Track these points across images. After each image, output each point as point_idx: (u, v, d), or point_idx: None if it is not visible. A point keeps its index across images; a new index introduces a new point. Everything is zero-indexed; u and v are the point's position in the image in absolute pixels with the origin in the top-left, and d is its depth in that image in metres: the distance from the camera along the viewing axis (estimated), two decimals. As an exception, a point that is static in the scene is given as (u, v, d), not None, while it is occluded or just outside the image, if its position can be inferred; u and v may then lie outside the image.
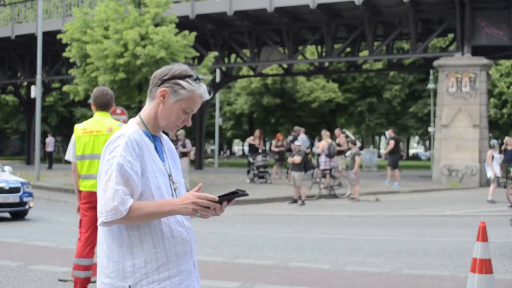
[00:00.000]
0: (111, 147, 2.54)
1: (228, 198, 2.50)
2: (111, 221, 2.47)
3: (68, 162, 6.33)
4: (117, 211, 2.45)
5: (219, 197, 2.49)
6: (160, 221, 2.56)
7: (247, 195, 2.51)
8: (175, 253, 2.59)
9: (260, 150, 22.08)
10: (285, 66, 30.40)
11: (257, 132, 22.73)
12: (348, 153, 19.08)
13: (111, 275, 2.55)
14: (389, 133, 22.69)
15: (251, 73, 32.84)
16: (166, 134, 2.84)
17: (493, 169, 16.79)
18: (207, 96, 2.73)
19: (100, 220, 2.49)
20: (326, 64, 30.82)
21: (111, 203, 2.45)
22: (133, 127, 2.62)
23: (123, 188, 2.46)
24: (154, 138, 2.67)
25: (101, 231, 2.61)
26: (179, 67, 2.68)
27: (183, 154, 18.21)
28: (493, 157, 16.87)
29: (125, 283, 2.52)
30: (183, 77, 2.64)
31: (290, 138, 22.16)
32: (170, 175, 2.67)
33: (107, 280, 2.56)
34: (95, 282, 6.24)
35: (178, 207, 2.49)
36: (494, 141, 17.71)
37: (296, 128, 22.50)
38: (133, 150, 2.53)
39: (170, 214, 2.52)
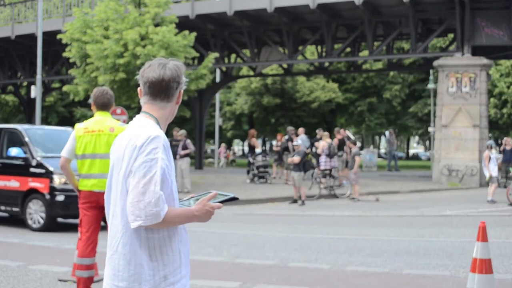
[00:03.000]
0: (147, 148, 2.50)
1: (226, 201, 2.70)
2: (149, 225, 2.47)
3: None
4: (158, 217, 2.44)
5: (221, 202, 2.68)
6: None
7: (237, 199, 2.75)
8: (184, 254, 2.64)
9: (259, 150, 22.08)
10: (285, 66, 30.40)
11: (252, 133, 22.81)
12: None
13: (130, 278, 2.53)
14: (342, 132, 22.17)
15: (251, 73, 32.84)
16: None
17: (489, 170, 16.83)
18: None
19: (137, 223, 2.46)
20: (326, 64, 30.81)
21: (154, 208, 2.43)
22: (159, 128, 2.62)
23: (163, 193, 2.47)
24: None
25: (120, 234, 2.57)
26: (181, 65, 2.71)
27: (184, 155, 18.20)
28: (490, 158, 16.91)
29: (145, 287, 2.52)
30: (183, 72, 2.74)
31: (285, 137, 22.22)
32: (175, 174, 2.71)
33: (123, 283, 2.54)
34: (97, 281, 6.26)
35: (198, 218, 2.60)
36: (490, 142, 17.76)
37: (289, 128, 22.53)
38: (168, 153, 2.55)
39: (189, 222, 2.61)
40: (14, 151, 11.37)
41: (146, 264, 2.52)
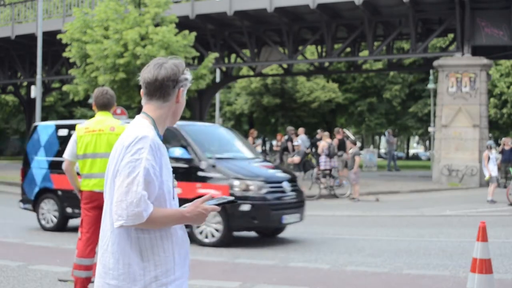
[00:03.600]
0: (133, 148, 2.51)
1: (224, 204, 2.68)
2: (131, 225, 2.48)
3: None
4: (140, 217, 2.45)
5: (217, 204, 2.66)
6: None
7: (235, 201, 2.71)
8: (179, 255, 2.62)
9: (258, 150, 22.10)
10: (285, 66, 30.40)
11: (253, 133, 22.82)
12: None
13: (120, 277, 2.54)
14: (341, 132, 21.67)
15: (251, 73, 32.84)
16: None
17: (489, 170, 16.86)
18: None
19: (118, 223, 2.48)
20: (326, 64, 30.81)
21: (136, 208, 2.44)
22: (151, 129, 2.60)
23: (146, 193, 2.47)
24: (160, 138, 2.68)
25: (109, 232, 2.59)
26: (180, 63, 2.71)
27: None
28: (489, 158, 16.95)
29: (134, 286, 2.52)
30: (184, 70, 2.72)
31: (285, 138, 22.24)
32: (173, 175, 2.70)
33: (114, 281, 2.55)
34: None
35: (190, 219, 2.58)
36: (490, 142, 17.77)
37: (289, 128, 22.53)
38: (156, 154, 2.53)
39: (181, 223, 2.60)
40: (178, 152, 9.51)
41: (136, 264, 2.52)
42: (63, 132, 10.92)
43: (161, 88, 2.65)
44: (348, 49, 29.32)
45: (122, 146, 2.55)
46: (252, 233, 11.21)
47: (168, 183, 2.60)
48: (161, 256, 2.55)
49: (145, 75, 2.68)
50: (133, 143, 2.52)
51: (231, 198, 2.69)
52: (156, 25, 19.12)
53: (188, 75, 2.73)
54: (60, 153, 10.32)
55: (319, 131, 22.45)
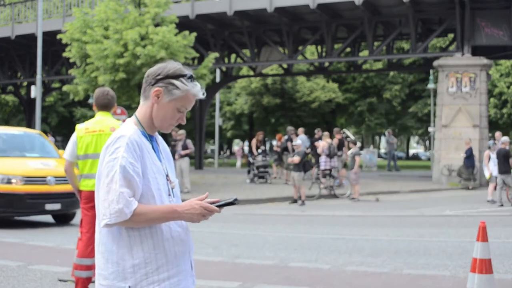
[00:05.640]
0: (112, 148, 2.53)
1: (225, 205, 2.62)
2: (115, 223, 2.48)
3: None
4: (122, 214, 2.45)
5: (218, 206, 2.61)
6: None
7: (234, 202, 2.65)
8: (174, 253, 2.59)
9: (259, 151, 22.10)
10: (285, 66, 30.41)
11: (259, 135, 22.82)
12: (348, 153, 19.09)
13: (110, 276, 2.54)
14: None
15: (251, 73, 32.85)
16: (164, 134, 2.86)
17: (489, 169, 16.91)
18: (201, 96, 2.68)
19: (103, 222, 2.49)
20: (326, 64, 30.83)
21: (116, 206, 2.45)
22: (132, 128, 2.61)
23: (127, 190, 2.47)
24: (151, 138, 2.67)
25: (99, 233, 2.59)
26: (173, 66, 2.64)
27: (184, 155, 18.21)
28: (489, 158, 17.00)
29: (125, 284, 2.51)
30: (177, 76, 2.61)
31: (285, 138, 22.25)
32: (167, 175, 2.67)
33: (105, 281, 2.55)
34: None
35: (184, 215, 2.55)
36: (490, 142, 17.80)
37: (289, 128, 22.54)
38: (134, 151, 2.52)
39: (174, 220, 2.57)
40: None
41: (125, 262, 2.52)
42: None
43: (143, 87, 2.70)
44: (348, 49, 29.34)
45: (104, 147, 2.59)
46: (252, 233, 11.19)
47: (157, 180, 2.59)
48: (151, 253, 2.53)
49: None
50: (112, 143, 2.54)
51: (231, 199, 2.64)
52: (156, 25, 19.12)
53: (182, 84, 2.59)
54: None
55: (316, 131, 22.44)
